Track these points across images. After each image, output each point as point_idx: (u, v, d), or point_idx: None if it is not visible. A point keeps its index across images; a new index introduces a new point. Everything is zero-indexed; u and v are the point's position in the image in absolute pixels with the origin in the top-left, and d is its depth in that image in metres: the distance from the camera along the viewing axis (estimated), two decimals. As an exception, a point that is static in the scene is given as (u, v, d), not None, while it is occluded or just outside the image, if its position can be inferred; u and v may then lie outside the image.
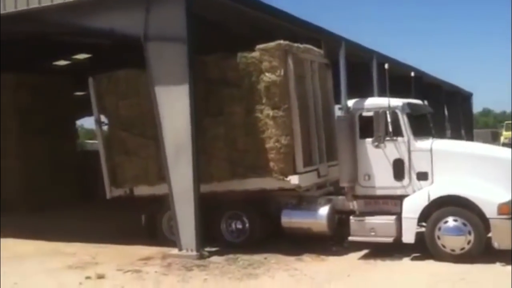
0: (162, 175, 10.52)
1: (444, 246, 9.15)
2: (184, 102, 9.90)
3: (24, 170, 16.60)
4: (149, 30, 10.19)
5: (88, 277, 8.97)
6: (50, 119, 17.39)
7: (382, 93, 11.38)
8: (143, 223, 11.69)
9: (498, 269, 8.66)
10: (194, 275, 8.94)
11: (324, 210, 10.19)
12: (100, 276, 8.98)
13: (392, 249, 9.67)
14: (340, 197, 10.38)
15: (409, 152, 9.74)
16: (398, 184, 9.79)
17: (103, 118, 12.05)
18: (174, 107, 10.09)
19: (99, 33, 11.58)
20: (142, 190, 11.46)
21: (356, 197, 10.15)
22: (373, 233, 9.70)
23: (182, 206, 10.04)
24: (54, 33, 12.73)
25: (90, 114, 12.58)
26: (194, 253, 9.89)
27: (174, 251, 10.15)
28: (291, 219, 10.38)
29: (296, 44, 10.46)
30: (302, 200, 10.56)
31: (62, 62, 20.00)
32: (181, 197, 10.03)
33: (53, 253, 10.93)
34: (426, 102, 14.61)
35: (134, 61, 10.94)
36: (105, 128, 12.09)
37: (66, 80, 18.76)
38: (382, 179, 9.90)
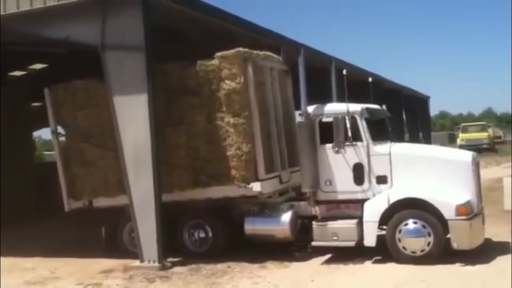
0: (122, 186, 10.38)
1: (405, 248, 9.28)
2: (143, 112, 9.80)
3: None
4: (106, 39, 10.06)
5: (47, 293, 8.78)
6: (5, 131, 16.92)
7: (341, 99, 11.50)
8: (103, 236, 11.48)
9: (458, 269, 8.82)
10: (157, 287, 8.83)
11: (286, 216, 10.22)
12: (60, 291, 8.79)
13: (354, 253, 9.76)
14: (302, 203, 10.43)
15: (369, 156, 9.86)
16: (358, 188, 9.90)
17: (60, 129, 11.81)
18: (133, 116, 9.97)
19: (55, 42, 11.39)
20: (101, 202, 11.28)
21: (318, 202, 10.22)
22: (335, 238, 9.77)
23: (143, 217, 9.91)
24: (8, 42, 12.42)
25: (48, 125, 12.30)
26: (156, 264, 9.77)
27: (136, 263, 10.00)
28: (254, 226, 10.36)
29: (255, 51, 10.49)
30: (265, 206, 10.56)
31: (17, 73, 19.54)
32: (142, 208, 9.91)
33: (11, 268, 10.64)
34: (384, 107, 14.84)
35: (92, 70, 10.76)
36: (62, 139, 11.85)
37: (22, 91, 18.32)
38: (343, 184, 10.00)
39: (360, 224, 9.62)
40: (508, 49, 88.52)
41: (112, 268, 10.05)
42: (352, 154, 9.92)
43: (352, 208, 9.97)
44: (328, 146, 10.06)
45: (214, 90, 10.16)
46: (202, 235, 10.66)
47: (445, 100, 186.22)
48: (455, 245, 9.10)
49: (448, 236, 9.22)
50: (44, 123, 16.26)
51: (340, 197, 10.07)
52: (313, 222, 10.05)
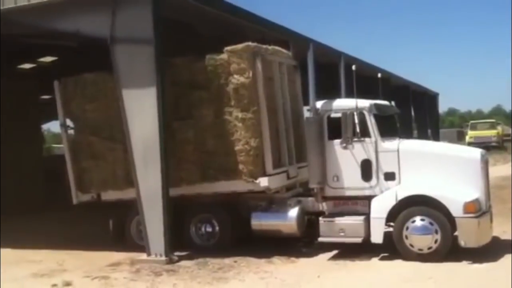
0: (130, 180, 10.39)
1: (412, 246, 9.26)
2: (152, 105, 9.81)
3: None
4: (115, 32, 10.06)
5: (54, 285, 8.79)
6: (14, 124, 17.01)
7: (349, 94, 11.47)
8: (111, 229, 11.52)
9: (465, 267, 8.79)
10: (164, 280, 8.84)
11: (293, 212, 10.21)
12: (67, 284, 8.81)
13: (361, 249, 9.74)
14: (310, 199, 10.41)
15: (377, 152, 9.83)
16: (366, 184, 9.87)
17: (69, 122, 11.85)
18: (142, 110, 9.98)
19: (65, 35, 11.40)
20: (109, 195, 11.32)
21: (325, 198, 10.20)
22: (342, 234, 9.76)
23: (150, 211, 9.93)
24: (18, 35, 12.46)
25: (57, 118, 12.36)
26: (163, 258, 9.78)
27: (143, 256, 10.02)
28: (261, 221, 10.37)
29: (264, 46, 10.46)
30: (272, 202, 10.56)
31: (27, 66, 19.61)
32: (150, 201, 9.92)
33: (18, 260, 10.69)
34: (393, 103, 14.76)
35: (101, 64, 10.78)
36: (71, 132, 11.89)
37: (31, 84, 18.39)
38: (351, 180, 9.97)
39: (368, 220, 9.60)
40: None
41: (119, 261, 10.08)
42: (360, 150, 9.89)
43: (360, 204, 9.95)
44: (336, 142, 10.03)
45: (223, 84, 10.15)
46: (209, 229, 10.69)
47: (454, 97, 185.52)
48: (462, 242, 9.06)
49: (456, 233, 9.17)
50: (53, 116, 16.35)
51: (348, 193, 10.05)
52: (320, 218, 10.04)
